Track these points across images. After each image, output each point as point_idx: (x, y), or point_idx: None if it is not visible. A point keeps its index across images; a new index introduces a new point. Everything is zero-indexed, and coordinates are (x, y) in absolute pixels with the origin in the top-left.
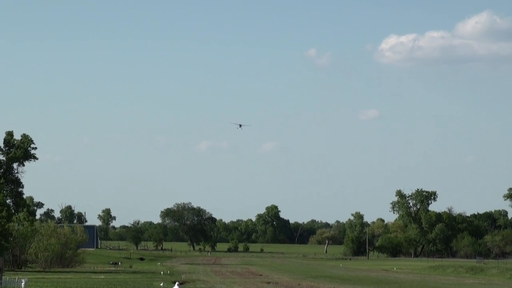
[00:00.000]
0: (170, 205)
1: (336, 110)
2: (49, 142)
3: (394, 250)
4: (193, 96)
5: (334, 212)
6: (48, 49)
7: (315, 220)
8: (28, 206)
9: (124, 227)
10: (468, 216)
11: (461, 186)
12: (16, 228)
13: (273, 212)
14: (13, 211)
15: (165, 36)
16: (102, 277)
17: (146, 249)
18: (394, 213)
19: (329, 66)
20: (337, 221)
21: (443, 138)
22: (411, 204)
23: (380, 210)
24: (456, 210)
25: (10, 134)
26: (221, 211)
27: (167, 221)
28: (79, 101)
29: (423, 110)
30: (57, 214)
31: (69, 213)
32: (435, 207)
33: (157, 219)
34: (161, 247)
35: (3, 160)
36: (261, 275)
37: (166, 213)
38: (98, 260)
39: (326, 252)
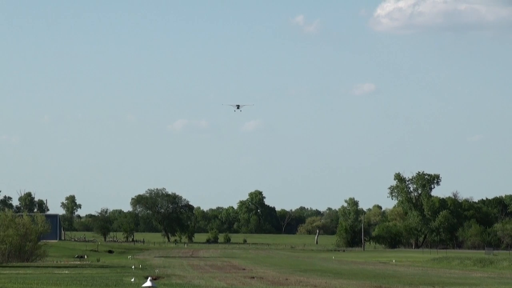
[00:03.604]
0: (142, 191)
1: (327, 84)
2: (5, 121)
3: (393, 240)
4: (167, 69)
5: (325, 198)
6: (6, 20)
7: (304, 207)
8: None
9: (90, 216)
10: (475, 202)
11: (467, 168)
12: None
13: (257, 198)
14: None
15: (136, 9)
16: (66, 272)
17: (115, 241)
18: (392, 199)
19: (318, 35)
20: (329, 209)
21: (446, 115)
22: (411, 188)
23: (377, 196)
24: (462, 195)
25: None
26: (199, 198)
27: (138, 209)
28: (39, 75)
29: (424, 84)
30: (15, 202)
31: (28, 201)
32: (438, 192)
33: (127, 207)
34: (132, 239)
35: None
36: (244, 269)
37: (138, 200)
38: (62, 253)
39: (316, 243)
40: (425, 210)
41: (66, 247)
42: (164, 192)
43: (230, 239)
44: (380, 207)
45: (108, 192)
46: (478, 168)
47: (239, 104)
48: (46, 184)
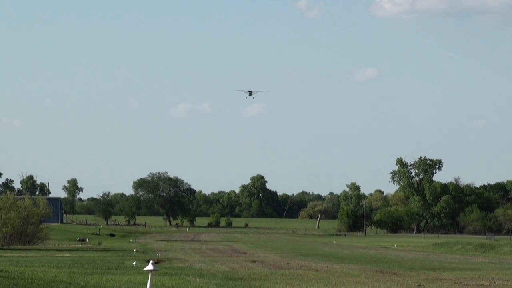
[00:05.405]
0: (143, 175)
1: (329, 69)
2: (7, 104)
3: (394, 225)
4: (170, 53)
5: (327, 183)
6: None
7: (306, 192)
8: None
9: (92, 199)
10: (477, 187)
11: (469, 153)
12: None
13: (259, 182)
14: None
15: None
16: (68, 255)
17: (116, 224)
18: (394, 184)
19: (321, 19)
20: (331, 193)
21: (449, 100)
22: (413, 173)
23: (378, 181)
24: (464, 181)
25: None
26: (201, 182)
27: (140, 193)
28: (41, 58)
29: (426, 69)
30: (17, 185)
31: (30, 184)
32: (440, 177)
33: (129, 191)
34: (134, 222)
35: None
36: (245, 253)
37: (139, 184)
38: (63, 236)
39: (318, 227)
40: (426, 195)
41: (67, 230)
42: (166, 176)
43: (231, 223)
44: (381, 192)
45: (110, 175)
46: (480, 153)
47: (251, 90)
48: (48, 167)
